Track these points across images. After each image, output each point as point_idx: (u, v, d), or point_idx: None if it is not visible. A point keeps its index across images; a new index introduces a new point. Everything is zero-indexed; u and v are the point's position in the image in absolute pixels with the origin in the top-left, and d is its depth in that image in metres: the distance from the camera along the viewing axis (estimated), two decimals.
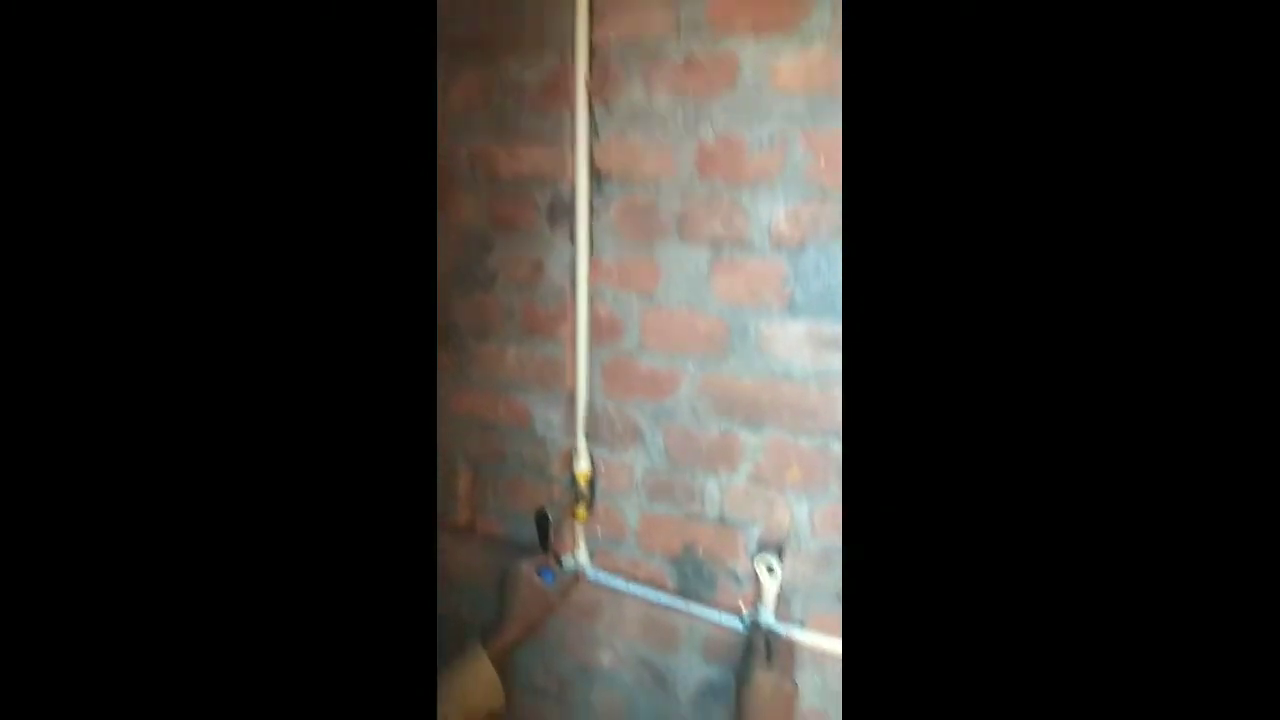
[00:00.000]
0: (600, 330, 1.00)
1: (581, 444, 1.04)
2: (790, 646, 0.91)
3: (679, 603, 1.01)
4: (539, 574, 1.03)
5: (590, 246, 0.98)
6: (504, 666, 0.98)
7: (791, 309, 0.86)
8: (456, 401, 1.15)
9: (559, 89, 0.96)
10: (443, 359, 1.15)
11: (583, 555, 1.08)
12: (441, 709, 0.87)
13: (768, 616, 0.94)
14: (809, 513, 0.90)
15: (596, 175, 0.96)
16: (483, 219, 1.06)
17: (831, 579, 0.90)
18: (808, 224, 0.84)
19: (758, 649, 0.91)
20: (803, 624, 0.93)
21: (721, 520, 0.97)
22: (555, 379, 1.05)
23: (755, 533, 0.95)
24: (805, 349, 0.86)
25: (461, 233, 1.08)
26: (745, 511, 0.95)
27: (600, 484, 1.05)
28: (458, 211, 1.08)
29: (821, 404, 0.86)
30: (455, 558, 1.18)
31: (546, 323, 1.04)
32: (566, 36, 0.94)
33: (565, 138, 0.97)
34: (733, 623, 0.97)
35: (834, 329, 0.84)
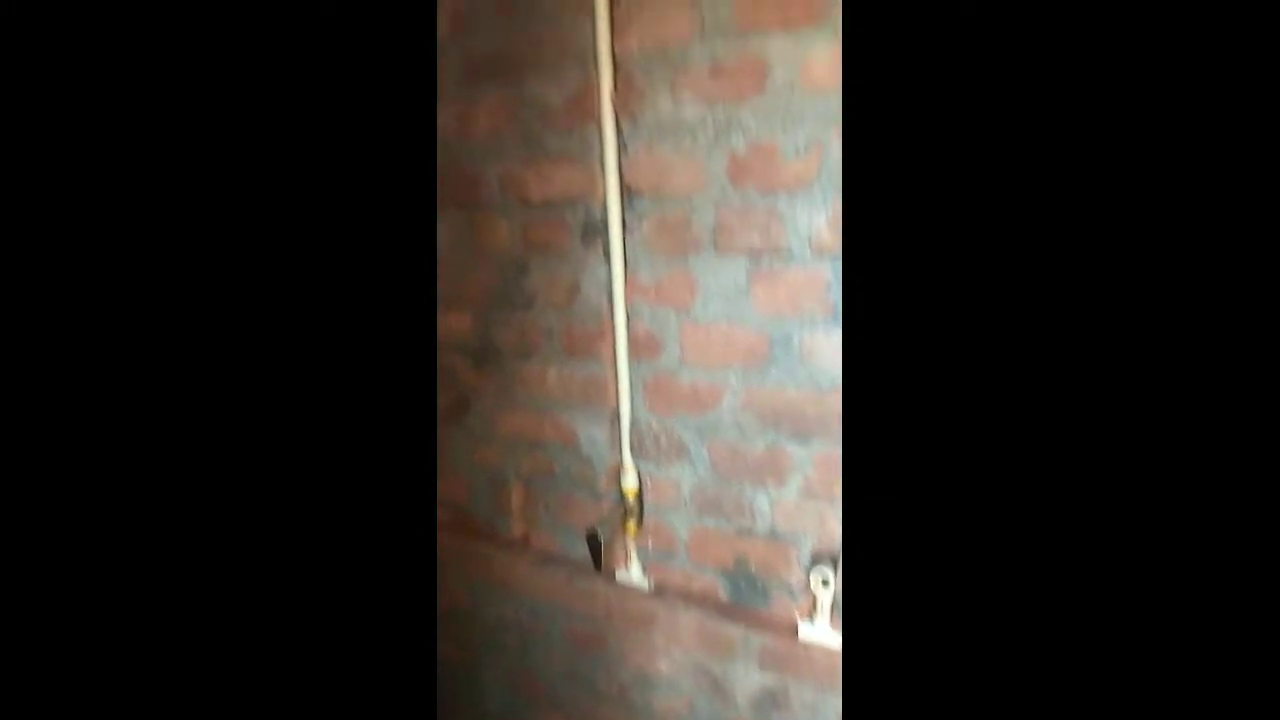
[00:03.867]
0: (639, 347, 0.99)
1: (628, 460, 1.04)
2: None
3: (734, 615, 1.01)
4: None
5: (625, 264, 0.97)
6: None
7: (836, 317, 0.83)
8: (504, 421, 1.17)
9: (584, 105, 0.95)
10: (486, 380, 1.17)
11: (635, 569, 1.09)
12: None
13: (824, 626, 0.93)
14: None
15: (627, 192, 0.94)
16: (518, 243, 1.07)
17: None
18: None
19: None
20: None
21: (773, 534, 0.95)
22: (598, 397, 1.05)
23: (808, 545, 0.93)
24: None
25: (498, 257, 1.09)
26: (797, 524, 0.93)
27: (648, 499, 1.05)
28: (493, 236, 1.09)
29: None
30: (512, 572, 1.22)
31: (586, 342, 1.04)
32: (588, 49, 0.92)
33: (593, 155, 0.95)
34: (788, 633, 0.97)
35: None
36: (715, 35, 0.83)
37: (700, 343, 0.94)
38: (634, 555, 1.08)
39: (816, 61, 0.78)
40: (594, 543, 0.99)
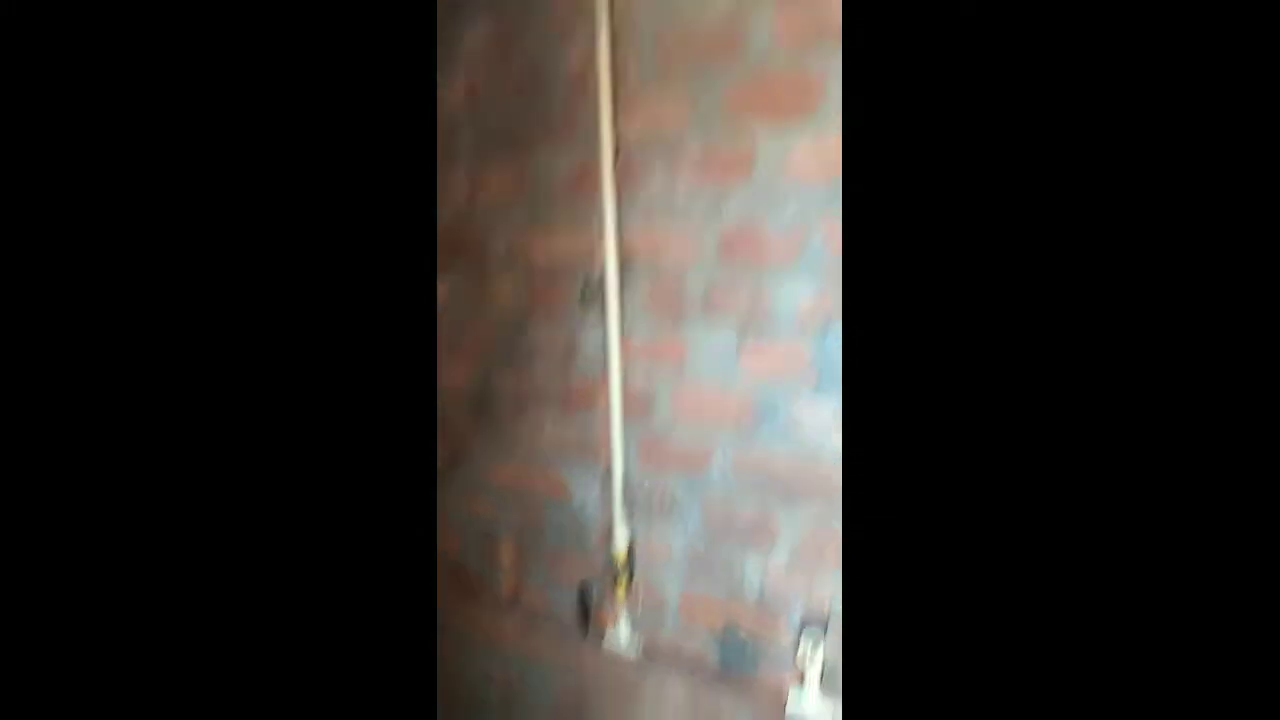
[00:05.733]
0: (633, 405, 1.02)
1: (619, 518, 1.05)
2: None
3: (721, 684, 1.00)
4: None
5: (621, 326, 1.01)
6: None
7: (819, 389, 0.86)
8: (497, 474, 1.19)
9: (587, 179, 1.01)
10: (482, 432, 1.19)
11: (623, 630, 1.08)
12: None
13: (813, 696, 0.92)
14: None
15: (624, 259, 1.00)
16: (520, 301, 1.11)
17: None
18: (832, 307, 0.84)
19: None
20: None
21: (762, 599, 0.96)
22: (591, 453, 1.08)
23: (797, 611, 0.93)
24: (834, 431, 0.86)
25: (501, 314, 1.14)
26: (786, 590, 0.93)
27: (639, 559, 1.06)
28: (497, 294, 1.14)
29: None
30: (500, 630, 1.21)
31: (581, 398, 1.07)
32: (592, 129, 0.99)
33: (594, 225, 1.01)
34: (775, 704, 0.96)
35: None
36: (707, 124, 0.90)
37: (692, 403, 0.97)
38: (623, 616, 1.08)
39: (799, 154, 0.84)
40: (584, 599, 0.99)
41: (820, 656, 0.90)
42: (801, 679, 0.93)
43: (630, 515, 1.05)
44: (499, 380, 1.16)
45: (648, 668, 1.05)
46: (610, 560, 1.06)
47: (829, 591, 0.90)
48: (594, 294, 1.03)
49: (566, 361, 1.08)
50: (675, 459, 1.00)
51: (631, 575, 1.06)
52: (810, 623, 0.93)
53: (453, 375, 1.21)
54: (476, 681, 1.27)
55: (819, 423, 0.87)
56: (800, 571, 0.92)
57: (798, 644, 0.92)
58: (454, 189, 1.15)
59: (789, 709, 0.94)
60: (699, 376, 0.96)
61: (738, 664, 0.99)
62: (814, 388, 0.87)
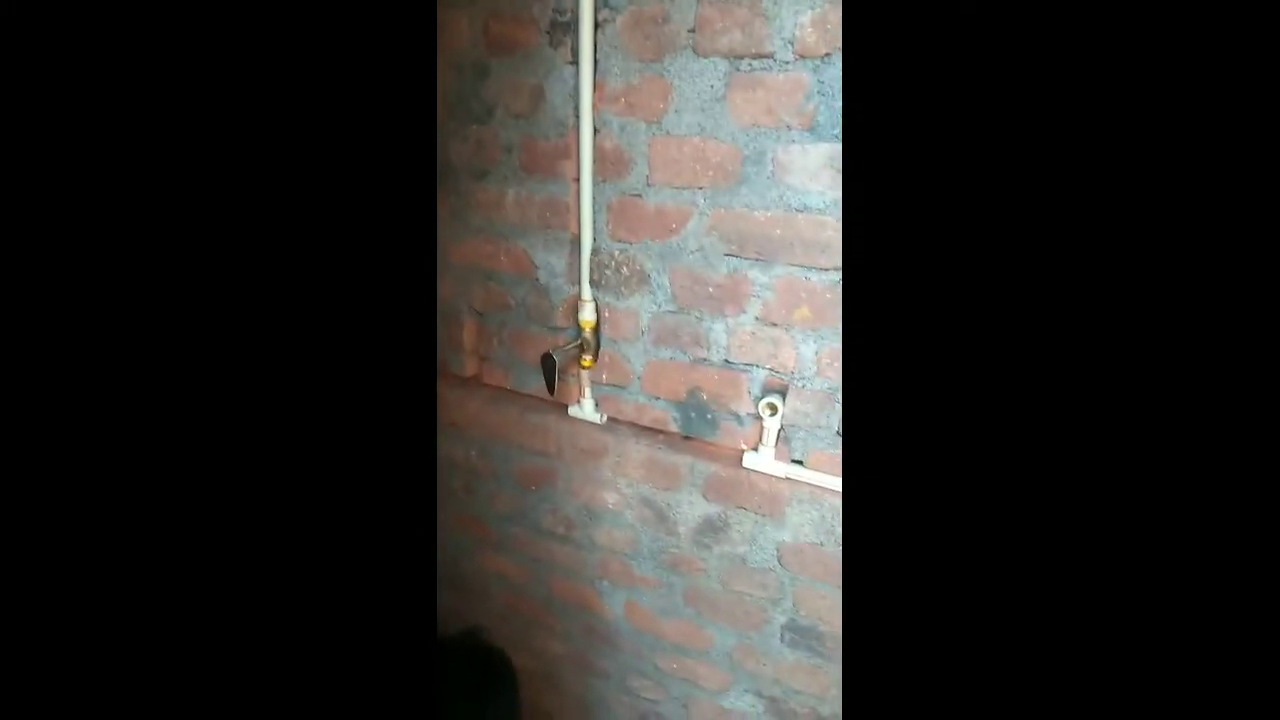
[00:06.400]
0: (605, 165, 0.94)
1: (586, 292, 1.01)
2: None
3: (682, 446, 1.03)
4: None
5: (594, 68, 0.90)
6: None
7: (814, 130, 0.80)
8: (457, 250, 1.11)
9: None
10: (441, 204, 1.10)
11: (588, 404, 1.09)
12: None
13: (768, 455, 0.96)
14: (815, 352, 0.89)
15: None
16: (478, 42, 0.97)
17: (833, 418, 0.91)
18: (837, 30, 0.75)
19: None
20: (802, 462, 0.95)
21: (726, 363, 0.96)
22: (558, 221, 1.01)
23: (760, 375, 0.94)
24: (825, 175, 0.81)
25: (456, 59, 0.99)
26: (751, 354, 0.94)
27: (605, 332, 1.04)
28: (452, 34, 0.98)
29: (838, 237, 0.82)
30: (462, 411, 1.20)
31: (548, 159, 0.98)
32: None
33: None
34: (733, 463, 1.00)
35: None
36: None
37: (670, 159, 0.89)
38: (587, 389, 1.08)
39: None
40: (548, 365, 0.98)
41: (779, 418, 0.93)
42: (759, 441, 0.97)
43: (597, 288, 1.01)
44: (457, 141, 1.04)
45: (612, 430, 1.08)
46: (577, 334, 1.04)
47: (791, 355, 0.91)
48: (565, 29, 0.90)
49: (532, 115, 0.97)
50: (649, 223, 0.94)
51: (598, 348, 1.04)
52: (771, 387, 0.94)
53: None
54: (439, 467, 1.29)
55: (809, 169, 0.81)
56: (766, 335, 0.91)
57: (757, 407, 0.94)
58: None
59: (745, 465, 0.98)
60: (681, 125, 0.87)
61: (699, 428, 1.02)
62: (807, 129, 0.80)
